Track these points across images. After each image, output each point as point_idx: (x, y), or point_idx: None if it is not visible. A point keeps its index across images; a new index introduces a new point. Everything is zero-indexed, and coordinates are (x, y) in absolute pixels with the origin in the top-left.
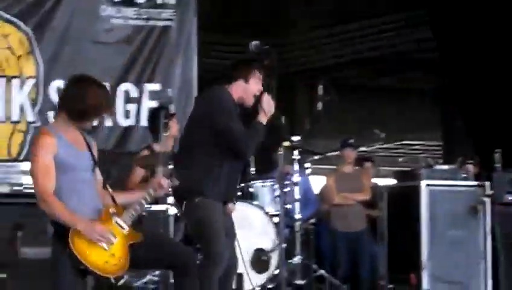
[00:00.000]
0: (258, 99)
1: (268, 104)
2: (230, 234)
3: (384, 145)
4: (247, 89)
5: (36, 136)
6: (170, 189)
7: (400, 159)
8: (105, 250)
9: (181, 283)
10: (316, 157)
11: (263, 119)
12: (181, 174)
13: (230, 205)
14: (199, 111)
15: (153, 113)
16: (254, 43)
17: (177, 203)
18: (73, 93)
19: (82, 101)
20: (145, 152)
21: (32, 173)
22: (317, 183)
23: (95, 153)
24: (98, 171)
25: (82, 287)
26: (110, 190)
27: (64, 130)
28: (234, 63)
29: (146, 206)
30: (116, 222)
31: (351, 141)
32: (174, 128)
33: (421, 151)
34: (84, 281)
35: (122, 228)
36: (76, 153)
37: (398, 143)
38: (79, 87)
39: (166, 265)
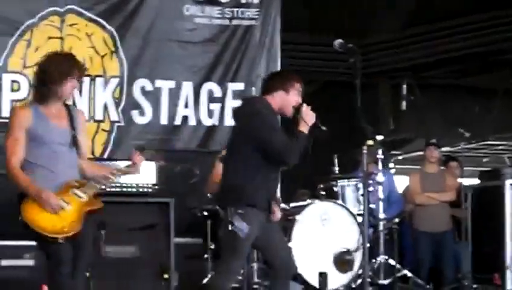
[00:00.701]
0: (297, 109)
1: (308, 115)
2: (278, 238)
3: (469, 145)
4: (287, 100)
5: (12, 109)
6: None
7: (484, 159)
8: (54, 215)
9: None
10: (400, 157)
11: (304, 129)
12: (226, 182)
13: (276, 212)
14: (240, 122)
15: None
16: (338, 41)
17: (221, 209)
18: (37, 68)
19: (43, 71)
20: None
21: (4, 145)
22: (402, 182)
23: (81, 127)
24: (82, 144)
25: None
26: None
27: (44, 105)
28: (275, 73)
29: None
30: (73, 192)
31: (434, 140)
32: None
33: (505, 152)
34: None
35: (79, 197)
36: (48, 126)
37: (482, 143)
38: (41, 62)
39: None
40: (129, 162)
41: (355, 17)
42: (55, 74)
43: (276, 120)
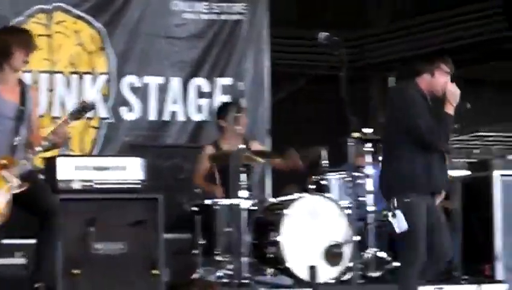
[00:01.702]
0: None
1: (453, 94)
2: (441, 224)
3: (459, 137)
4: (433, 82)
5: None
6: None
7: (475, 151)
8: None
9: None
10: None
11: (449, 109)
12: (388, 172)
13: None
14: (391, 109)
15: (222, 108)
16: (323, 34)
17: (387, 200)
18: None
19: None
20: (210, 148)
21: None
22: None
23: (31, 105)
24: (32, 119)
25: None
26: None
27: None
28: (422, 56)
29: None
30: (2, 175)
31: None
32: (243, 123)
33: (495, 143)
34: None
35: (8, 181)
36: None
37: (472, 135)
38: None
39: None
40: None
41: (345, 10)
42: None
43: (424, 103)
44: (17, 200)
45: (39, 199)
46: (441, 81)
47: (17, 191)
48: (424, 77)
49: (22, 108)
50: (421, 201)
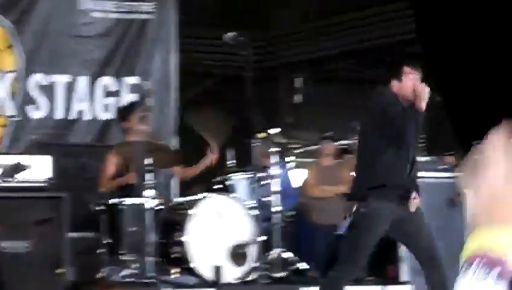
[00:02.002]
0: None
1: (422, 93)
2: (422, 226)
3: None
4: (402, 87)
5: None
6: None
7: None
8: None
9: None
10: (298, 150)
11: (420, 106)
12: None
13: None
14: (368, 112)
15: (128, 108)
16: (229, 34)
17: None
18: None
19: None
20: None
21: None
22: (300, 176)
23: None
24: None
25: None
26: None
27: None
28: (387, 62)
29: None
30: None
31: (330, 133)
32: (150, 122)
33: None
34: None
35: None
36: None
37: None
38: None
39: None
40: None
41: (255, 11)
42: None
43: (399, 107)
44: None
45: None
46: (409, 85)
47: None
48: (394, 83)
49: None
50: (384, 211)
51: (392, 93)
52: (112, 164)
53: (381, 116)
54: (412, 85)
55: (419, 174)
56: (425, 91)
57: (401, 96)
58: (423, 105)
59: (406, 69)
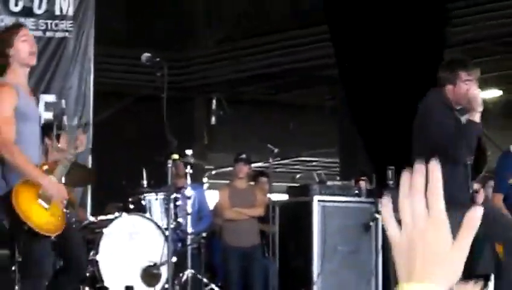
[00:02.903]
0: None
1: (476, 100)
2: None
3: (282, 161)
4: (456, 92)
5: None
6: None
7: (297, 176)
8: (45, 209)
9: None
10: (214, 172)
11: (474, 117)
12: None
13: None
14: (417, 119)
15: (44, 127)
16: (145, 55)
17: None
18: None
19: None
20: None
21: None
22: (213, 197)
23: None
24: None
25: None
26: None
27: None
28: (442, 65)
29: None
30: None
31: (243, 155)
32: (64, 141)
33: (318, 168)
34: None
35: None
36: (30, 103)
37: (295, 159)
38: None
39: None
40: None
41: (175, 31)
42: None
43: (449, 112)
44: None
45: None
46: (463, 90)
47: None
48: (448, 87)
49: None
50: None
51: (444, 99)
52: None
53: (427, 119)
54: (466, 90)
55: (332, 198)
56: (479, 98)
57: (454, 102)
58: (475, 114)
59: (462, 74)
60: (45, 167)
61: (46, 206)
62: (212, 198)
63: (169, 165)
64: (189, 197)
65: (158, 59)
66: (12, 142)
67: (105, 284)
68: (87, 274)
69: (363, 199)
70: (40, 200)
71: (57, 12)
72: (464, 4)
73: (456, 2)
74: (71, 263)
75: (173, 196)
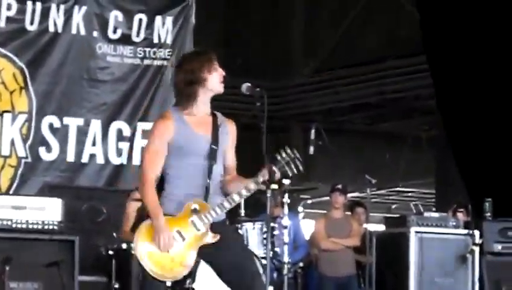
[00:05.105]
0: None
1: None
2: None
3: (378, 192)
4: None
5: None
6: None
7: (393, 206)
8: (166, 253)
9: None
10: (309, 201)
11: None
12: None
13: None
14: None
15: None
16: (246, 85)
17: None
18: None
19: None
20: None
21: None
22: (310, 227)
23: (227, 140)
24: (228, 158)
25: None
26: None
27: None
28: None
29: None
30: (191, 221)
31: (340, 185)
32: None
33: (414, 199)
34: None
35: (197, 228)
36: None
37: (391, 190)
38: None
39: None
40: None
41: (272, 59)
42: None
43: None
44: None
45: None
46: None
47: (207, 241)
48: None
49: (215, 145)
50: None
51: None
52: (132, 211)
53: None
54: None
55: (430, 229)
56: None
57: None
58: None
59: None
60: (194, 206)
61: (168, 251)
62: (308, 228)
63: (268, 195)
64: (286, 227)
65: (258, 89)
66: (148, 178)
67: None
68: None
69: (460, 230)
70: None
71: (155, 41)
72: None
73: None
74: None
75: (270, 225)
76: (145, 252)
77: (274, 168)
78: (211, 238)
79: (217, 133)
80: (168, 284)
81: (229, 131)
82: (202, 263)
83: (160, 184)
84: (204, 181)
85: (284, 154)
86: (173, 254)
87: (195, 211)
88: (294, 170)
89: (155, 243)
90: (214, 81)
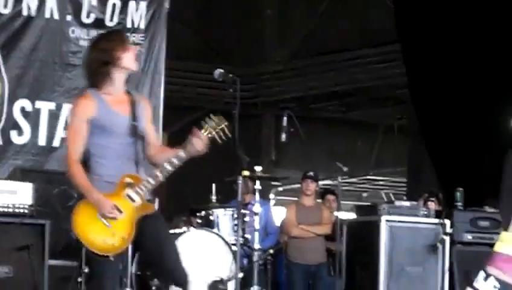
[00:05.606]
0: None
1: None
2: None
3: (349, 180)
4: None
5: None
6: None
7: (365, 194)
8: (106, 227)
9: None
10: (280, 188)
11: None
12: None
13: None
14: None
15: None
16: (218, 71)
17: None
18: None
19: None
20: None
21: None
22: (281, 214)
23: (144, 117)
24: (148, 132)
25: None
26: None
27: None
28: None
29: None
30: (127, 194)
31: (311, 173)
32: None
33: (386, 187)
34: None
35: (133, 200)
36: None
37: (363, 178)
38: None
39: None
40: None
41: (245, 46)
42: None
43: None
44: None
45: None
46: None
47: (142, 213)
48: None
49: (135, 122)
50: None
51: None
52: None
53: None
54: None
55: (400, 218)
56: None
57: None
58: None
59: None
60: (127, 180)
61: (108, 224)
62: (279, 215)
63: (240, 182)
64: (256, 214)
65: (231, 75)
66: (73, 159)
67: None
68: (153, 288)
69: (431, 220)
70: (101, 218)
71: (129, 25)
72: None
73: None
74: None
75: (241, 211)
76: (85, 230)
77: (202, 134)
78: (148, 209)
79: (135, 110)
80: (112, 259)
81: (144, 107)
82: None
83: (87, 165)
84: (131, 156)
85: (211, 122)
86: (113, 228)
87: (129, 184)
88: (223, 136)
89: (99, 217)
90: (128, 59)
